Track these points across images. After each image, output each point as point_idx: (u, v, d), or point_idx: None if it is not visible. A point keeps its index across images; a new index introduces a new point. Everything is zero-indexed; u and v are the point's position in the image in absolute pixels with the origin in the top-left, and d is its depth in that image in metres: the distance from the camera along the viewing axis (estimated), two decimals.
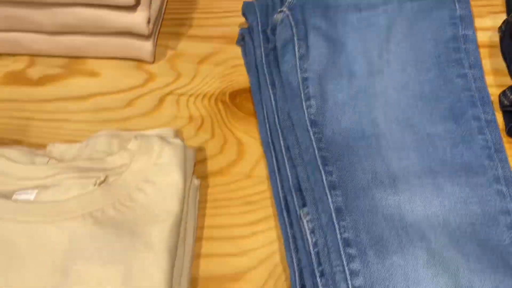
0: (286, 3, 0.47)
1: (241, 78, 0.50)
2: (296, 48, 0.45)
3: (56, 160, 0.41)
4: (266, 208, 0.42)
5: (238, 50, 0.52)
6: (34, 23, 0.48)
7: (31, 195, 0.38)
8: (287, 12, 0.46)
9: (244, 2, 0.50)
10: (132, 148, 0.41)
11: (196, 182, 0.42)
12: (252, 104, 0.48)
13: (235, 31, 0.52)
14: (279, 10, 0.47)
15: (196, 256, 0.39)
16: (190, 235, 0.39)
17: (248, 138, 0.46)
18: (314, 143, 0.40)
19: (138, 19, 0.47)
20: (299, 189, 0.39)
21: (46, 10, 0.47)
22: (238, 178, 0.43)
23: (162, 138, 0.41)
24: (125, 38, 0.49)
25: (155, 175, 0.39)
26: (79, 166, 0.39)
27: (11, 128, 0.47)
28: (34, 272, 0.34)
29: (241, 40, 0.51)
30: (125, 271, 0.34)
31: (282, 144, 0.42)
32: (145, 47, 0.50)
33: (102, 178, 0.38)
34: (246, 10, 0.49)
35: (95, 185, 0.38)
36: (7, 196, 0.38)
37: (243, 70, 0.50)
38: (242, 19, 0.52)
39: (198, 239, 0.40)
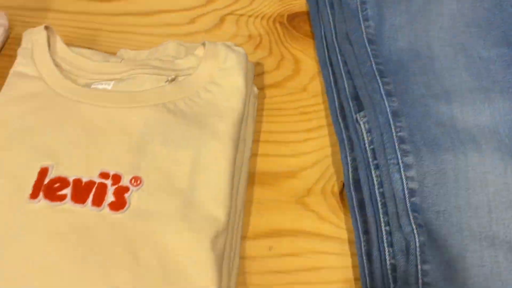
0: None
1: (299, 2, 0.52)
2: None
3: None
4: (320, 118, 0.44)
5: None
6: None
7: (108, 86, 0.41)
8: None
9: None
10: (199, 54, 0.44)
11: (255, 89, 0.44)
12: (309, 26, 0.50)
13: None
14: None
15: (253, 155, 0.42)
16: (250, 135, 0.42)
17: (304, 56, 0.48)
18: (371, 57, 0.42)
19: None
20: (355, 98, 0.41)
21: None
22: (293, 91, 0.46)
23: (227, 45, 0.43)
24: None
25: (220, 78, 0.42)
26: (151, 64, 0.42)
27: (81, 37, 0.50)
28: (112, 149, 0.37)
29: None
30: (194, 155, 0.37)
31: (339, 59, 0.44)
32: None
33: (173, 76, 0.42)
34: None
35: (166, 81, 0.41)
36: (87, 86, 0.41)
37: None
38: None
39: (255, 141, 0.43)
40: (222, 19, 0.51)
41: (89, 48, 0.49)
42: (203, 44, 0.44)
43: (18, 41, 0.50)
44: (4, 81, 0.47)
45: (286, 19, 0.51)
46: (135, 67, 0.42)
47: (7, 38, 0.51)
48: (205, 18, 0.51)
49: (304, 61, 0.48)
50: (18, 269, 0.33)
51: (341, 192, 0.41)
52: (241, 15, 0.51)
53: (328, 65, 0.46)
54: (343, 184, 0.41)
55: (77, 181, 0.36)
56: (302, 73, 0.47)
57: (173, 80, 0.42)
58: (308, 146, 0.43)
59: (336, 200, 0.40)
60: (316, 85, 0.46)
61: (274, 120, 0.44)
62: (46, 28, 0.44)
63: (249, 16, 0.51)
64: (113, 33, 0.51)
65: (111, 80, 0.42)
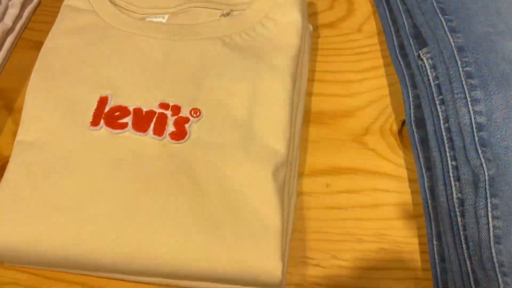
0: None
1: None
2: None
3: None
4: (376, 59, 0.43)
5: None
6: None
7: (163, 19, 0.40)
8: None
9: None
10: None
11: (310, 27, 0.43)
12: None
13: None
14: None
15: (308, 93, 0.42)
16: (305, 72, 0.41)
17: None
18: None
19: None
20: (416, 36, 0.40)
21: None
22: (348, 31, 0.45)
23: None
24: None
25: (276, 13, 0.40)
26: None
27: None
28: (170, 80, 0.37)
29: None
30: (252, 87, 0.37)
31: None
32: None
33: (228, 11, 0.41)
34: None
35: (221, 15, 0.41)
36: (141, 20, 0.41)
37: None
38: None
39: (309, 80, 0.42)
40: None
41: None
42: None
43: None
44: (50, 19, 0.46)
45: None
46: (189, 0, 0.41)
47: None
48: None
49: (357, 1, 0.46)
50: (81, 194, 0.33)
51: (399, 131, 0.40)
52: None
53: (383, 3, 0.44)
54: (402, 123, 0.40)
55: (138, 110, 0.36)
56: (356, 13, 0.46)
57: (227, 14, 0.41)
58: (365, 86, 0.42)
59: (395, 138, 0.39)
60: (372, 26, 0.45)
61: (329, 60, 0.43)
62: None
63: None
64: None
65: (165, 14, 0.41)
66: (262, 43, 0.39)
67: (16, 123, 0.39)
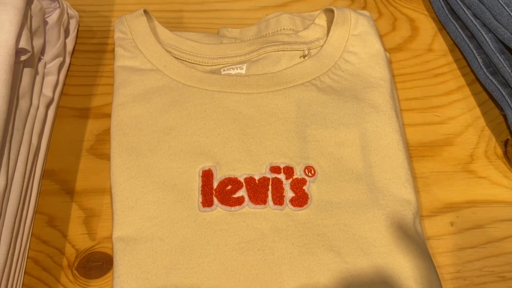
0: None
1: None
2: None
3: (240, 40, 0.40)
4: (456, 78, 0.41)
5: None
6: None
7: (241, 69, 0.36)
8: None
9: None
10: (320, 22, 0.39)
11: (387, 54, 0.40)
12: None
13: None
14: None
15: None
16: (398, 104, 0.38)
17: (418, 14, 0.44)
18: (505, 6, 0.39)
19: None
20: (502, 51, 0.38)
21: None
22: (419, 52, 0.42)
23: (353, 9, 0.39)
24: None
25: (355, 45, 0.38)
26: (280, 40, 0.38)
27: (164, 21, 0.44)
28: (272, 139, 0.33)
29: None
30: (360, 133, 0.34)
31: (466, 12, 0.41)
32: None
33: (307, 51, 0.37)
34: None
35: (301, 56, 0.37)
36: (214, 73, 0.36)
37: None
38: None
39: None
40: None
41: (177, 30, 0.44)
42: (325, 11, 0.39)
43: (89, 33, 0.44)
44: (85, 80, 0.41)
45: None
46: (263, 45, 0.37)
47: (78, 30, 0.44)
48: None
49: (419, 19, 0.44)
50: (214, 285, 0.28)
51: (505, 153, 0.38)
52: None
53: (451, 20, 0.42)
54: (505, 144, 0.38)
55: (250, 180, 0.31)
56: (421, 32, 0.43)
57: (308, 54, 0.37)
58: (455, 110, 0.40)
59: (503, 161, 0.37)
60: (441, 43, 0.43)
61: (408, 86, 0.41)
62: (145, 12, 0.38)
63: None
64: (198, 13, 0.45)
65: (239, 62, 0.37)
66: (353, 81, 0.36)
67: (84, 209, 0.34)
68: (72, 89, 0.41)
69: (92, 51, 0.43)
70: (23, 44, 0.34)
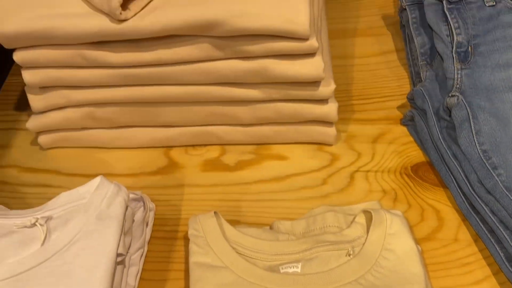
0: (454, 88, 0.55)
1: (415, 153, 0.57)
2: (472, 125, 0.52)
3: (294, 235, 0.47)
4: (483, 268, 0.47)
5: (402, 129, 0.59)
6: (235, 118, 0.56)
7: (297, 268, 0.43)
8: (460, 96, 0.54)
9: (413, 89, 0.58)
10: (360, 221, 0.47)
11: (419, 247, 0.47)
12: (433, 175, 0.54)
13: (394, 113, 0.60)
14: (450, 94, 0.55)
15: None
16: None
17: (442, 205, 0.52)
18: None
19: (331, 109, 0.55)
20: None
21: (249, 106, 0.55)
22: (446, 242, 0.49)
23: (387, 210, 0.47)
24: (311, 125, 0.57)
25: (391, 243, 0.44)
26: (328, 240, 0.45)
27: (225, 210, 0.53)
28: None
29: (409, 120, 0.58)
30: None
31: (485, 209, 0.48)
32: (329, 132, 0.57)
33: (351, 250, 0.44)
34: (416, 96, 0.57)
35: (347, 255, 0.44)
36: (273, 270, 0.43)
37: (414, 146, 0.57)
38: (398, 103, 0.61)
39: None
40: (351, 177, 0.55)
41: (235, 220, 0.52)
42: (364, 212, 0.47)
43: (162, 221, 0.53)
44: (160, 266, 0.48)
45: (410, 171, 0.55)
46: (314, 244, 0.45)
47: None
48: (334, 177, 0.55)
49: (443, 210, 0.51)
50: None
51: None
52: (368, 171, 0.55)
53: (472, 214, 0.49)
54: None
55: None
56: (446, 222, 0.50)
57: (352, 252, 0.44)
58: None
59: None
60: (465, 233, 0.49)
61: (438, 275, 0.46)
62: (215, 213, 0.47)
63: (376, 172, 0.55)
64: (254, 202, 0.54)
65: (294, 260, 0.44)
66: (391, 277, 0.42)
67: None
68: (148, 274, 0.49)
69: (165, 237, 0.51)
70: (120, 250, 0.42)
